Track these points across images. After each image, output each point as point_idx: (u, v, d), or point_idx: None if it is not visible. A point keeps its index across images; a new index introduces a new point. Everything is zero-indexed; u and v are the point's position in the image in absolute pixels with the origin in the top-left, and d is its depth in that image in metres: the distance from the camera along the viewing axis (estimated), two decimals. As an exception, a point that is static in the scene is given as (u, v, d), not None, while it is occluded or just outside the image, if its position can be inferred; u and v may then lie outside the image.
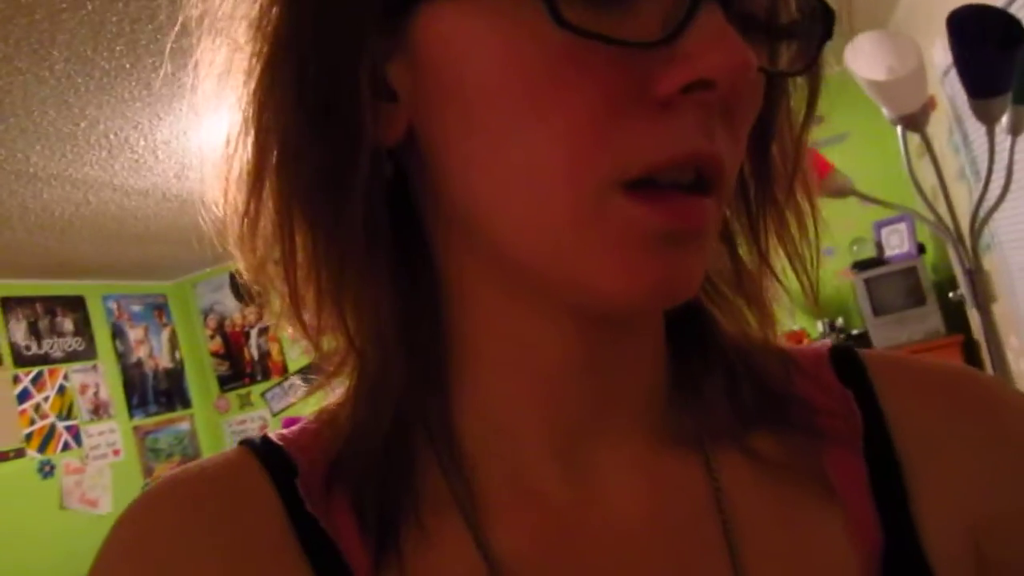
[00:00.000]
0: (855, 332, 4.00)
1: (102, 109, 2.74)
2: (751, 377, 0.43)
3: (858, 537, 0.40)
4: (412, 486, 0.40)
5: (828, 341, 0.48)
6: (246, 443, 0.43)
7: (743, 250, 0.43)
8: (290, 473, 0.40)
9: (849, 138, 3.60)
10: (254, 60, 0.38)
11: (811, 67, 0.39)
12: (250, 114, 0.38)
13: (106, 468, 4.85)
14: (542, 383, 0.40)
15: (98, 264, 4.75)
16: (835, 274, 3.96)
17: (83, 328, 5.03)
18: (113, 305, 5.28)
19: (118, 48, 2.36)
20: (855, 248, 4.05)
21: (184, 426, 5.51)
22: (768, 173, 0.42)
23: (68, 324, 4.93)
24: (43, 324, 4.74)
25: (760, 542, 0.39)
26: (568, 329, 0.39)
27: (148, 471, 5.14)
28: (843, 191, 2.17)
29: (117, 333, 5.26)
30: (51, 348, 4.76)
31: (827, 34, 0.36)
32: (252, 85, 0.38)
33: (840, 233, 3.98)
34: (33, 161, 3.00)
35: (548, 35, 0.32)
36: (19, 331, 4.60)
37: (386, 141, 0.37)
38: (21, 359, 4.57)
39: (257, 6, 0.38)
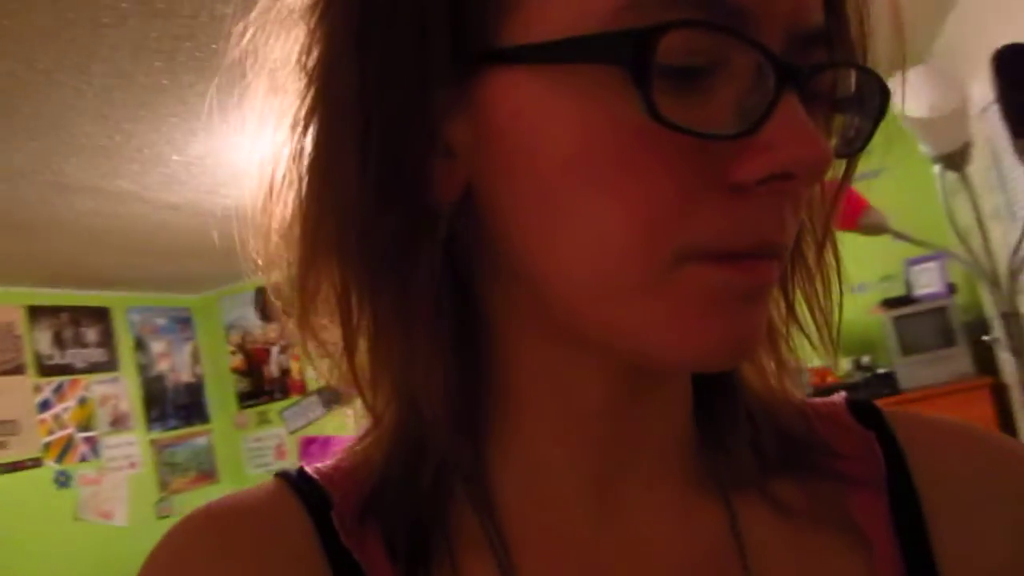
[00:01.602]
0: (881, 370, 3.94)
1: (138, 124, 2.76)
2: (772, 425, 0.44)
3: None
4: (446, 525, 0.40)
5: (843, 394, 0.49)
6: (281, 475, 0.44)
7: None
8: (325, 506, 0.41)
9: (884, 172, 3.58)
10: (305, 119, 0.38)
11: (866, 145, 0.38)
12: (304, 177, 0.38)
13: (123, 481, 4.85)
14: (581, 428, 0.41)
15: (125, 276, 4.79)
16: (865, 311, 3.90)
17: (107, 340, 5.05)
18: (137, 317, 5.31)
19: (157, 64, 2.38)
20: (884, 285, 3.99)
21: (202, 441, 5.51)
22: (800, 232, 0.42)
23: (92, 335, 4.96)
24: (67, 334, 4.78)
25: None
26: (610, 377, 0.40)
27: (165, 485, 5.14)
28: (878, 229, 2.15)
29: (140, 345, 5.28)
30: (74, 358, 4.79)
31: (883, 112, 0.36)
32: (307, 149, 0.38)
33: (871, 269, 3.93)
34: (67, 172, 3.03)
35: (629, 118, 0.32)
36: (44, 340, 4.63)
37: (445, 200, 0.37)
38: (44, 368, 4.60)
39: (313, 60, 0.37)
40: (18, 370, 4.45)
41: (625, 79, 0.31)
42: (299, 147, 0.38)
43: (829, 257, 0.43)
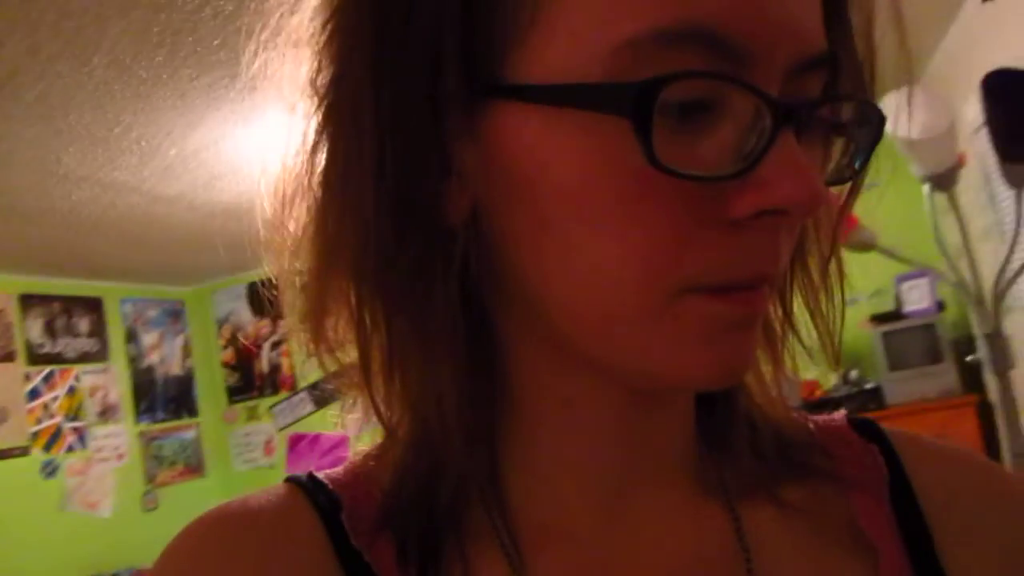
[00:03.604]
0: (869, 385, 3.96)
1: (137, 116, 2.77)
2: (772, 429, 0.46)
3: None
4: (459, 529, 0.41)
5: (843, 411, 0.50)
6: (292, 479, 0.44)
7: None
8: (336, 509, 0.42)
9: (875, 188, 3.58)
10: (316, 139, 0.38)
11: (862, 171, 0.40)
12: (317, 196, 0.39)
13: (109, 472, 4.84)
14: (590, 437, 0.42)
15: (118, 266, 4.78)
16: (855, 324, 3.92)
17: (98, 329, 5.05)
18: (130, 308, 5.30)
19: (158, 58, 2.40)
20: (875, 300, 4.02)
21: (190, 434, 5.50)
22: (803, 243, 0.43)
23: (84, 325, 4.95)
24: (59, 323, 4.77)
25: None
26: (614, 395, 0.41)
27: (151, 477, 5.14)
28: (866, 245, 2.16)
29: (131, 337, 5.28)
30: (65, 348, 4.78)
31: (877, 138, 0.38)
32: (318, 168, 0.38)
33: (861, 282, 3.95)
34: (65, 162, 3.04)
35: (628, 161, 0.32)
36: (35, 328, 4.63)
37: (456, 222, 0.37)
38: (35, 357, 4.59)
39: (325, 81, 0.38)
40: (9, 357, 4.45)
41: (625, 125, 0.32)
42: (310, 166, 0.39)
43: (834, 269, 0.44)
